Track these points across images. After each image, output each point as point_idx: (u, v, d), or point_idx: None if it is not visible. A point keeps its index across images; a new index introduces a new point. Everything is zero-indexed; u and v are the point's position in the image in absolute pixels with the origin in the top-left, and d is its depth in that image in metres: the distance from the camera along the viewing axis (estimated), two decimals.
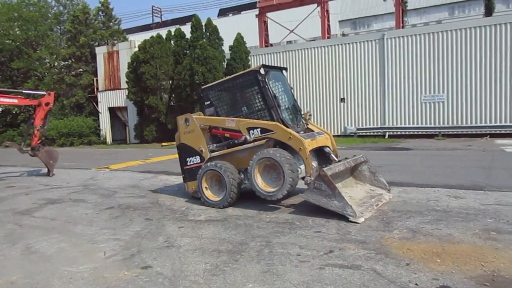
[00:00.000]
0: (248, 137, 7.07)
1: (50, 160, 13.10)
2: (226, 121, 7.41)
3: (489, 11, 24.87)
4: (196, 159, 7.78)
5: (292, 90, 8.23)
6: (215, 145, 7.66)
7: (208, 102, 7.80)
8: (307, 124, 7.78)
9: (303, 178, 6.88)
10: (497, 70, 18.89)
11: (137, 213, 7.23)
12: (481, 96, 19.29)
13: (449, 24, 22.79)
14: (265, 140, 6.96)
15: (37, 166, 14.63)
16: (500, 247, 4.64)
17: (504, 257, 4.34)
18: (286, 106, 7.57)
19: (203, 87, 8.21)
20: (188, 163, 7.92)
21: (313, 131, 7.61)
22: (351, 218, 5.84)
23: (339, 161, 7.10)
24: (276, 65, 24.38)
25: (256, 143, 7.04)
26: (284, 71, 7.97)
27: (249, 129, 7.10)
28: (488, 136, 18.57)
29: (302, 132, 7.35)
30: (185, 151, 7.98)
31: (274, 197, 6.57)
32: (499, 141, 17.04)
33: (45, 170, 13.32)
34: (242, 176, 7.26)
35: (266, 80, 7.07)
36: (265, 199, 6.72)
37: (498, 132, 18.67)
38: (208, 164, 7.40)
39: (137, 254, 5.04)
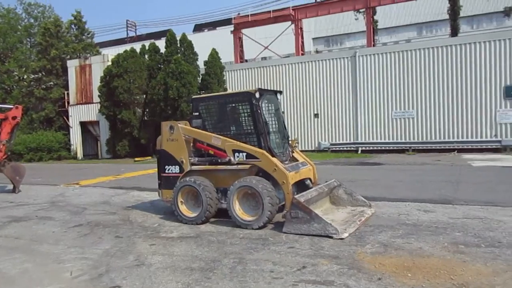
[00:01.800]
0: (232, 159, 6.96)
1: (16, 176, 12.63)
2: (212, 137, 7.27)
3: (455, 32, 25.94)
4: (175, 169, 7.63)
5: (283, 114, 8.16)
6: (197, 158, 7.51)
7: (197, 113, 7.70)
8: (293, 152, 7.77)
9: (282, 206, 6.87)
10: (463, 87, 19.62)
11: (107, 231, 7.03)
12: (448, 112, 19.94)
13: (418, 43, 23.63)
14: (248, 166, 6.90)
15: (2, 182, 14.07)
16: (468, 260, 4.74)
17: (472, 270, 4.43)
18: (275, 130, 7.53)
19: (194, 97, 8.13)
20: (166, 171, 7.76)
21: (297, 160, 7.61)
22: (335, 236, 5.80)
23: (311, 187, 7.13)
24: (252, 81, 24.61)
25: (240, 166, 6.98)
26: (278, 94, 7.92)
27: (234, 151, 6.97)
28: (456, 151, 19.15)
29: (287, 162, 7.35)
30: (165, 158, 7.80)
31: (250, 226, 6.54)
32: (466, 156, 17.59)
33: (10, 187, 12.82)
34: (220, 195, 7.16)
35: (260, 104, 7.01)
36: None
37: (465, 147, 19.28)
38: (187, 179, 7.27)
39: (106, 274, 4.88)
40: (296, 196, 6.21)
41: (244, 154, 6.88)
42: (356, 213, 7.15)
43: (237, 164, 6.96)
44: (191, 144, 7.66)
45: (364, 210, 7.29)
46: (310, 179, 7.44)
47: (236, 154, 6.94)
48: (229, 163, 7.00)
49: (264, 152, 6.79)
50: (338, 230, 5.88)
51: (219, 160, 7.18)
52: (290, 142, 7.84)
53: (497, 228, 6.00)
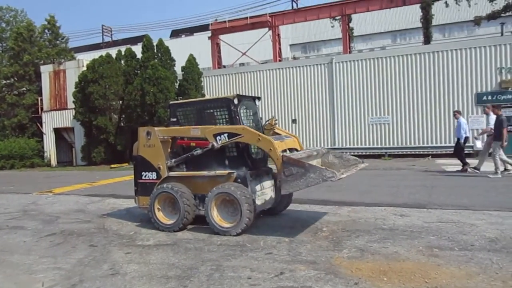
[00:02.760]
0: (215, 143, 6.85)
1: None
2: (191, 130, 7.20)
3: (427, 39, 26.63)
4: (152, 175, 7.51)
5: (261, 120, 8.10)
6: (173, 160, 7.40)
7: (175, 119, 7.64)
8: (274, 129, 7.74)
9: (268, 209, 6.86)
10: (436, 94, 20.12)
11: (81, 240, 6.86)
12: (422, 118, 20.39)
13: (392, 50, 24.16)
14: (226, 172, 6.88)
15: None
16: (442, 263, 4.83)
17: (446, 273, 4.51)
18: None
19: (171, 102, 8.05)
20: (143, 177, 7.64)
21: (280, 135, 7.60)
22: (333, 179, 5.66)
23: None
24: (230, 87, 24.60)
25: (218, 173, 6.95)
26: (256, 100, 7.93)
27: (215, 135, 6.85)
28: (430, 156, 19.58)
29: (264, 167, 7.43)
30: (142, 164, 7.67)
31: (228, 233, 6.49)
32: (440, 160, 18.00)
33: None
34: (198, 201, 7.10)
35: (238, 110, 7.01)
36: None
37: (439, 152, 19.72)
38: (164, 185, 7.17)
39: (79, 284, 4.76)
40: (285, 154, 6.16)
41: (226, 134, 6.78)
42: (351, 167, 7.13)
43: (221, 147, 6.86)
44: (169, 147, 7.54)
45: (357, 164, 7.29)
46: (296, 149, 7.34)
47: (218, 137, 6.83)
48: (212, 148, 6.86)
49: (245, 126, 6.80)
50: (336, 173, 5.74)
51: (200, 150, 7.04)
52: (268, 121, 7.82)
53: (470, 232, 6.14)
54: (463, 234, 6.05)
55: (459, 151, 14.03)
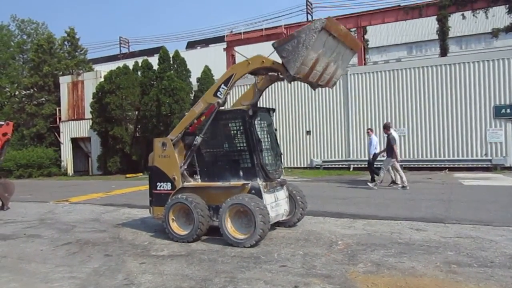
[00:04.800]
0: (219, 100, 7.12)
1: (5, 193, 12.43)
2: (195, 108, 7.41)
3: (444, 52, 26.40)
4: (167, 186, 7.56)
5: (276, 131, 8.18)
6: (184, 165, 7.45)
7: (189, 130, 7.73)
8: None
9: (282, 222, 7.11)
10: (453, 106, 19.85)
11: (96, 249, 6.91)
12: (439, 130, 20.12)
13: (408, 63, 23.97)
14: (241, 183, 6.90)
15: None
16: (461, 280, 4.72)
17: None
18: (268, 148, 7.53)
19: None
20: (158, 188, 7.68)
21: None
22: (322, 24, 5.95)
23: None
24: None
25: (232, 183, 6.98)
26: (271, 112, 7.98)
27: (214, 94, 7.18)
28: (447, 169, 19.26)
29: (279, 179, 7.53)
30: (157, 175, 7.72)
31: (242, 245, 6.47)
32: (457, 174, 17.70)
33: None
34: (212, 212, 7.10)
35: (253, 122, 7.03)
36: None
37: (456, 165, 19.40)
38: (179, 196, 7.21)
39: None
40: (277, 41, 6.41)
41: (222, 85, 7.20)
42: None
43: (224, 103, 7.23)
44: (183, 154, 7.56)
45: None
46: None
47: (218, 93, 7.19)
48: (219, 107, 7.14)
49: (233, 65, 7.37)
50: (322, 20, 6.01)
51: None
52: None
53: (489, 248, 6.00)
54: (482, 250, 5.91)
55: (370, 165, 14.90)
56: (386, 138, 13.69)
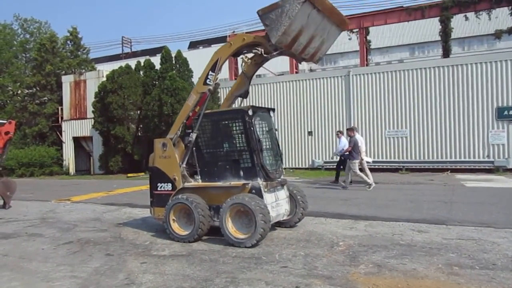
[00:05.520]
0: (210, 88, 7.36)
1: (7, 192, 12.46)
2: (188, 100, 7.58)
3: (446, 53, 26.34)
4: (168, 186, 7.57)
5: (277, 131, 8.18)
6: (184, 164, 7.50)
7: (189, 130, 7.69)
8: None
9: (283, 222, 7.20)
10: (456, 108, 19.80)
11: (97, 248, 6.92)
12: (441, 132, 20.07)
13: (410, 64, 23.95)
14: (241, 183, 6.90)
15: None
16: (462, 282, 4.71)
17: None
18: (268, 148, 7.53)
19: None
20: (159, 188, 7.69)
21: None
22: None
23: None
24: (246, 98, 24.68)
25: (233, 184, 6.98)
26: (271, 112, 7.95)
27: (204, 82, 7.36)
28: (449, 171, 19.22)
29: (279, 179, 7.50)
30: (157, 176, 7.73)
31: (243, 245, 6.47)
32: (459, 176, 17.66)
33: (0, 202, 12.64)
34: (212, 213, 7.10)
35: (253, 121, 6.99)
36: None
37: (458, 167, 19.35)
38: (179, 196, 7.21)
39: None
40: (261, 9, 6.49)
41: (209, 72, 7.41)
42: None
43: (214, 88, 7.45)
44: (182, 153, 7.60)
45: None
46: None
47: (207, 81, 7.40)
48: (210, 93, 7.40)
49: (217, 50, 7.52)
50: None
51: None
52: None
53: (491, 250, 5.98)
54: (484, 252, 5.89)
55: (338, 166, 15.63)
56: (349, 141, 13.89)
